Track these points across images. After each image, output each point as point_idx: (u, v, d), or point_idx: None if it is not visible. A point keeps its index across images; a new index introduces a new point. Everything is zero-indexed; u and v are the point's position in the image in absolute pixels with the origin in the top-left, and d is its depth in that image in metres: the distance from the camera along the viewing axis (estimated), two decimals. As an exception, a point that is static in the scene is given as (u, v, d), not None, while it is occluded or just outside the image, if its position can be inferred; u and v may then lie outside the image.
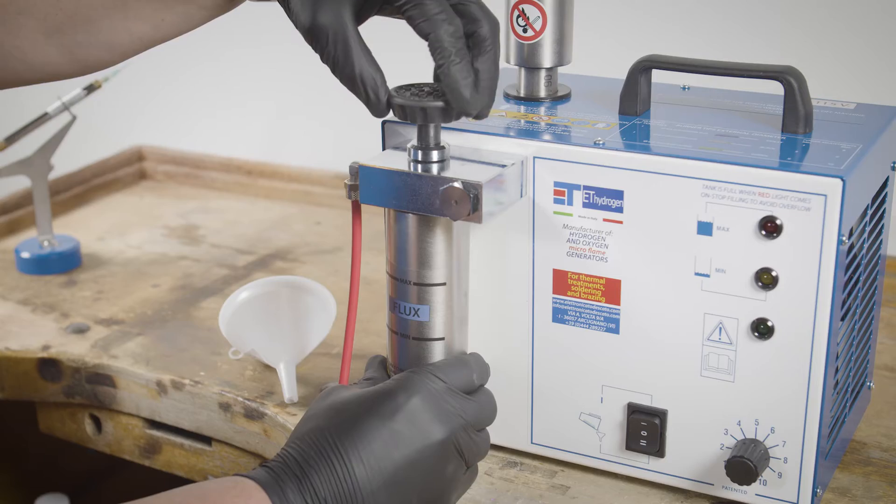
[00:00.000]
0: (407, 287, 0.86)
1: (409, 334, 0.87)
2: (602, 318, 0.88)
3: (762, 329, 0.83)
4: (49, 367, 1.17)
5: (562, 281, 0.89)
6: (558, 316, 0.90)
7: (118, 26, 0.84)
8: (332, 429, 0.79)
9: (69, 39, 0.84)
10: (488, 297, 0.92)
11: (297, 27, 0.80)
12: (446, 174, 0.83)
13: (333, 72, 0.81)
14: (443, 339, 0.87)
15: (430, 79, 0.85)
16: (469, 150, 0.88)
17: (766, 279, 0.82)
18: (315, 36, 0.79)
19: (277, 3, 0.82)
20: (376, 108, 0.81)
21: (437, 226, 0.84)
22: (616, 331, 0.88)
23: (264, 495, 0.75)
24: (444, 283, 0.86)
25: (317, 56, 0.81)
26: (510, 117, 0.92)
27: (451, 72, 0.79)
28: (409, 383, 0.82)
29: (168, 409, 1.12)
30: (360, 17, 0.82)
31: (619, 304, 0.87)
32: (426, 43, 0.79)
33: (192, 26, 0.86)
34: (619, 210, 0.85)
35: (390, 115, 0.82)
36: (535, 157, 0.87)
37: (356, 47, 0.80)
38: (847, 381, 0.92)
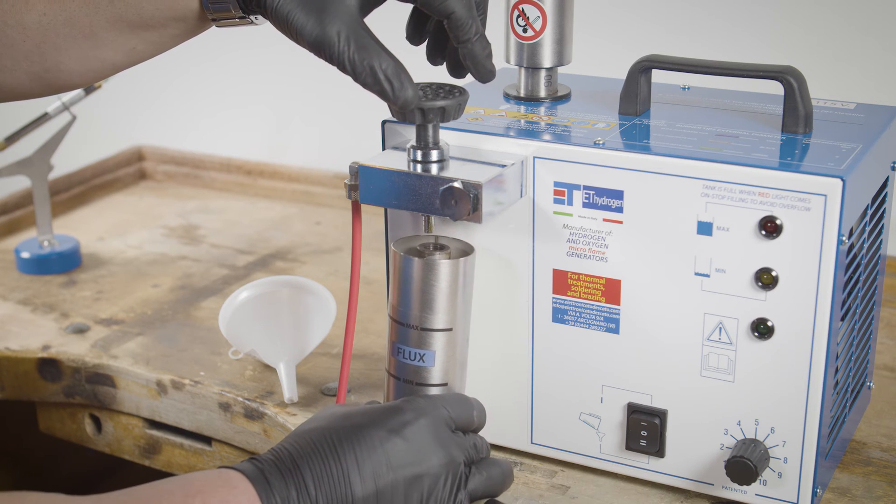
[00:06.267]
0: (409, 331, 0.85)
1: (410, 379, 0.86)
2: (602, 318, 0.88)
3: (762, 329, 0.83)
4: (49, 367, 1.17)
5: (562, 281, 0.89)
6: (558, 316, 0.90)
7: (88, 55, 0.83)
8: (333, 431, 0.78)
9: (38, 66, 0.83)
10: (488, 297, 0.92)
11: (302, 39, 0.79)
12: (446, 174, 0.83)
13: (353, 74, 0.79)
14: (444, 384, 0.86)
15: (425, 78, 0.85)
16: (469, 150, 0.88)
17: (766, 279, 0.82)
18: (327, 42, 0.78)
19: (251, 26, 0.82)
20: (405, 100, 0.79)
21: (442, 269, 0.84)
22: (616, 331, 0.88)
23: (249, 485, 0.74)
24: (449, 329, 0.85)
25: (317, 56, 0.80)
26: (510, 117, 0.92)
27: (475, 48, 0.82)
28: (418, 405, 0.81)
29: (168, 409, 1.12)
30: (364, 12, 0.81)
31: (619, 304, 0.87)
32: (422, 46, 0.79)
33: (165, 50, 0.85)
34: (619, 210, 0.85)
35: (389, 116, 0.82)
36: (535, 157, 0.87)
37: (371, 43, 0.79)
38: (847, 381, 0.92)
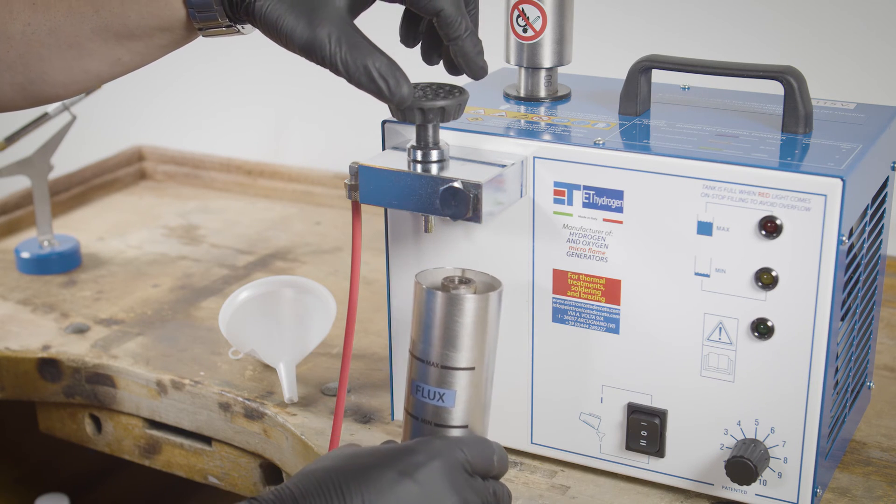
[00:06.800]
0: (429, 369, 0.80)
1: (429, 420, 0.81)
2: (602, 318, 0.88)
3: (762, 329, 0.83)
4: (49, 367, 1.17)
5: (562, 281, 0.89)
6: (558, 316, 0.90)
7: (73, 65, 0.81)
8: (340, 471, 0.74)
9: (21, 77, 0.81)
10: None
11: (292, 44, 0.78)
12: (446, 174, 0.83)
13: (346, 75, 0.78)
14: (465, 426, 0.81)
15: (424, 79, 0.85)
16: (469, 150, 0.88)
17: (766, 279, 0.82)
18: (318, 45, 0.77)
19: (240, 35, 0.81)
20: (401, 97, 0.79)
21: (467, 305, 0.79)
22: (616, 331, 0.88)
23: None
24: (472, 368, 0.80)
25: (308, 60, 0.79)
26: (510, 117, 0.92)
27: (465, 45, 0.82)
28: (433, 447, 0.77)
29: (168, 409, 1.12)
30: (353, 14, 0.81)
31: (619, 304, 0.87)
32: (420, 46, 0.79)
33: (151, 61, 0.83)
34: (619, 210, 0.85)
35: (389, 116, 0.82)
36: (535, 157, 0.87)
37: (363, 42, 0.78)
38: (847, 381, 0.92)
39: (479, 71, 0.84)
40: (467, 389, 0.80)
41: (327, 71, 0.79)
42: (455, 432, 0.81)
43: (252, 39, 1.66)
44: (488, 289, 0.83)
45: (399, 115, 0.82)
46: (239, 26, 0.81)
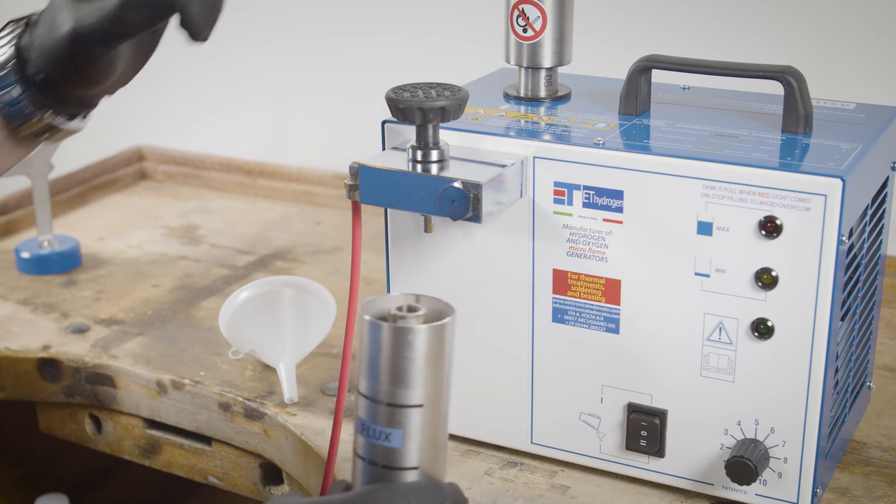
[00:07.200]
0: (377, 407, 0.73)
1: (377, 461, 0.74)
2: (602, 318, 0.88)
3: (762, 329, 0.83)
4: (49, 367, 1.17)
5: (562, 281, 0.89)
6: (558, 316, 0.90)
7: None
8: None
9: None
10: (488, 297, 0.92)
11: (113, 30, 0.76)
12: (446, 174, 0.83)
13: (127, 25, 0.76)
14: (416, 468, 0.74)
15: (425, 78, 0.85)
16: (469, 150, 0.88)
17: (766, 279, 0.82)
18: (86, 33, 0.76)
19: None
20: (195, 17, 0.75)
21: (417, 337, 0.71)
22: (616, 331, 0.88)
23: None
24: (421, 405, 0.73)
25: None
26: (510, 117, 0.92)
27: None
28: (372, 498, 0.71)
29: (168, 409, 1.12)
30: None
31: (619, 304, 0.87)
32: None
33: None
34: (619, 210, 0.85)
35: (389, 116, 0.82)
36: (535, 157, 0.87)
37: None
38: (847, 381, 0.92)
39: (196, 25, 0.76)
40: (418, 428, 0.73)
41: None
42: (406, 474, 0.74)
43: (252, 39, 1.67)
44: (439, 317, 0.74)
45: (399, 116, 0.81)
46: (58, 117, 0.81)
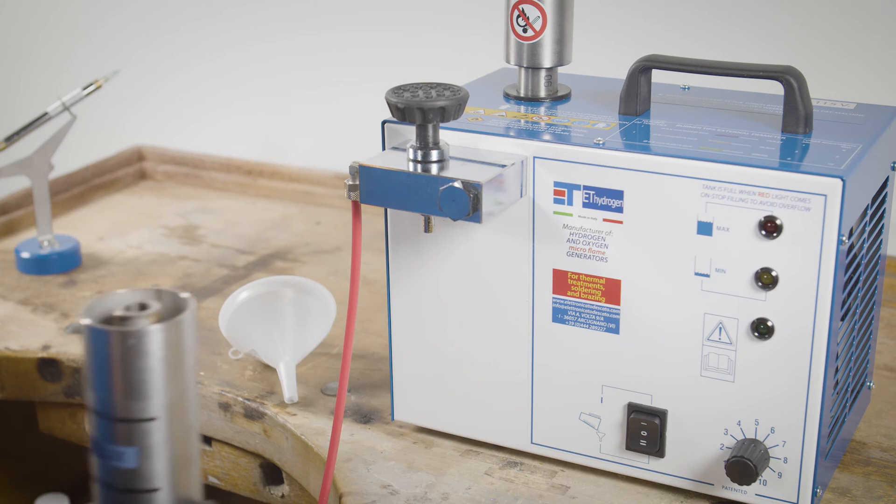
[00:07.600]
0: (108, 423, 0.64)
1: (115, 485, 0.65)
2: (602, 318, 0.88)
3: (762, 329, 0.83)
4: (49, 367, 1.17)
5: (562, 281, 0.89)
6: (558, 316, 0.90)
7: None
8: None
9: None
10: (488, 297, 0.92)
11: None
12: (446, 174, 0.83)
13: None
14: (158, 489, 0.66)
15: (424, 78, 0.85)
16: (469, 150, 0.88)
17: (766, 279, 0.82)
18: None
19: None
20: None
21: (146, 339, 0.62)
22: (616, 331, 0.88)
23: None
24: (153, 418, 0.64)
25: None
26: (510, 117, 0.92)
27: None
28: None
29: (168, 409, 1.12)
30: None
31: (619, 304, 0.87)
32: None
33: None
34: (619, 210, 0.85)
35: (389, 116, 0.82)
36: (535, 157, 0.87)
37: None
38: (847, 381, 0.92)
39: None
40: (160, 444, 0.65)
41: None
42: (149, 498, 0.66)
43: (252, 39, 1.67)
44: (175, 313, 0.65)
45: (399, 115, 0.81)
46: None
